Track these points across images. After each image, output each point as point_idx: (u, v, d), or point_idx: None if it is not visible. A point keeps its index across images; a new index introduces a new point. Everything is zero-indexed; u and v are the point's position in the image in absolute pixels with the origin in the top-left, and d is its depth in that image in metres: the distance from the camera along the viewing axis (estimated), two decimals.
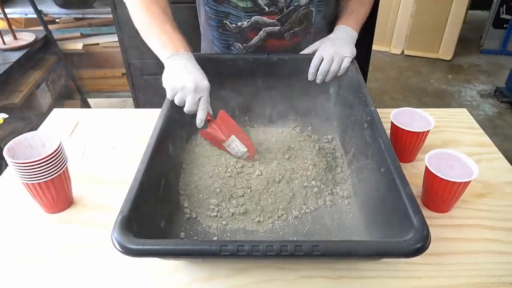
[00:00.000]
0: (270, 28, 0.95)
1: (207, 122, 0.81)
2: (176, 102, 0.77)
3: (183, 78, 0.75)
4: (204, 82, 0.76)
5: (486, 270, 0.65)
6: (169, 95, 0.77)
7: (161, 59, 0.81)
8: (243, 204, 0.72)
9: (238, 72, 0.96)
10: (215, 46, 1.04)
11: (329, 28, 1.02)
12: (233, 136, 0.80)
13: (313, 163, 0.79)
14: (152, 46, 0.83)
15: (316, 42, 0.94)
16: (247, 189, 0.73)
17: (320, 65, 0.89)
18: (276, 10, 0.91)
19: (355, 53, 0.90)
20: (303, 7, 0.92)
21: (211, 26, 1.00)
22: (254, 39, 0.97)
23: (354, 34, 0.93)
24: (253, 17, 0.93)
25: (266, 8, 0.91)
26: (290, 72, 0.95)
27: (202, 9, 0.99)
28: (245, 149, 0.80)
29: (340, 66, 0.89)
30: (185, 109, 0.77)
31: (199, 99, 0.76)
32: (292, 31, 0.96)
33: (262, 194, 0.73)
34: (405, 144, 0.84)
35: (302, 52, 0.95)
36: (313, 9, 0.94)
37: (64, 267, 0.66)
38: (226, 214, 0.72)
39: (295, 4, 0.91)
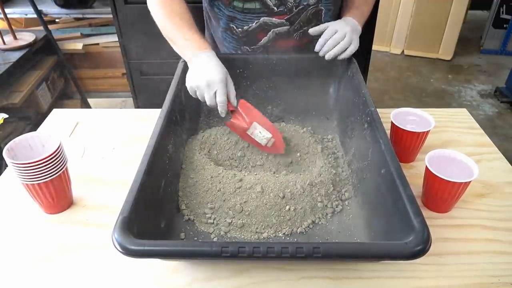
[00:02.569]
0: (279, 28, 0.94)
1: (230, 112, 0.81)
2: (199, 99, 0.81)
3: (197, 78, 0.79)
4: (216, 76, 0.77)
5: (486, 270, 0.65)
6: (190, 93, 0.82)
7: (186, 60, 0.85)
8: (240, 219, 0.70)
9: (238, 72, 0.96)
10: (225, 48, 1.04)
11: None
12: (255, 123, 0.80)
13: (319, 172, 0.77)
14: (176, 50, 0.86)
15: (326, 23, 0.90)
16: (246, 208, 0.70)
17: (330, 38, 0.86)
18: (285, 10, 0.91)
19: (357, 47, 0.89)
20: (312, 6, 0.92)
21: (221, 28, 0.99)
22: (263, 40, 0.97)
23: (359, 29, 0.91)
24: (261, 18, 0.92)
25: (275, 9, 0.90)
26: (290, 72, 0.95)
27: (211, 10, 0.99)
28: (269, 135, 0.79)
29: (347, 48, 0.86)
30: (208, 104, 0.80)
31: (215, 92, 0.78)
32: (301, 31, 0.95)
33: (262, 212, 0.70)
34: (405, 144, 0.84)
35: (311, 30, 0.91)
36: (322, 7, 0.93)
37: (64, 267, 0.65)
38: (223, 224, 0.70)
39: (304, 3, 0.90)
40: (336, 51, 0.86)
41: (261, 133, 0.79)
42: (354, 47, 0.86)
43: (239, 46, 1.00)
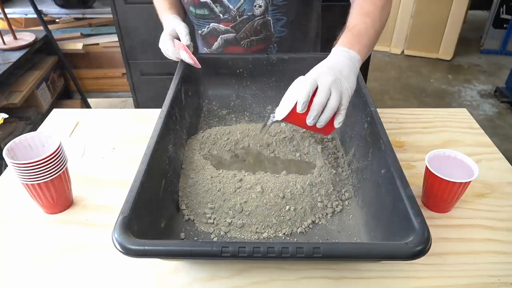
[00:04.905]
0: (226, 35, 0.97)
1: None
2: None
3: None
4: (160, 40, 0.92)
5: (486, 270, 0.65)
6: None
7: None
8: (240, 219, 0.70)
9: (237, 71, 0.96)
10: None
11: (303, 36, 1.02)
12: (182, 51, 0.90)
13: (319, 172, 0.77)
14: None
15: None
16: (246, 208, 0.70)
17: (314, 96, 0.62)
18: (230, 18, 0.94)
19: (354, 87, 0.66)
20: (258, 17, 0.93)
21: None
22: (214, 45, 1.01)
23: (356, 57, 0.68)
24: (211, 24, 0.96)
25: (221, 16, 0.94)
26: (290, 71, 0.95)
27: None
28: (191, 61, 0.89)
29: (341, 102, 0.63)
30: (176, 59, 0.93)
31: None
32: (249, 40, 0.97)
33: (262, 212, 0.70)
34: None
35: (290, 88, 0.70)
36: (269, 18, 0.94)
37: (64, 267, 0.65)
38: (223, 224, 0.70)
39: (249, 13, 0.92)
40: (323, 120, 0.63)
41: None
42: (346, 99, 0.63)
43: (201, 46, 1.06)
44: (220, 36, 0.98)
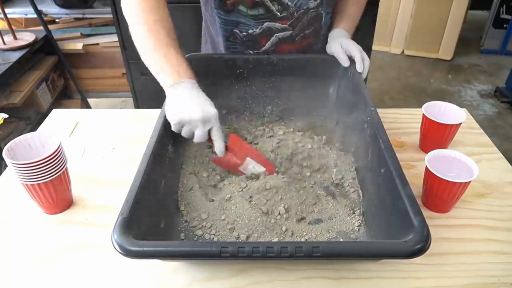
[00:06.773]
0: (282, 33, 0.94)
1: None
2: (183, 135, 0.72)
3: (188, 111, 0.69)
4: (212, 110, 0.70)
5: (486, 270, 0.65)
6: (174, 128, 0.71)
7: (163, 87, 0.75)
8: (241, 226, 0.69)
9: (238, 72, 0.96)
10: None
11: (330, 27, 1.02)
12: (248, 158, 0.75)
13: (320, 171, 0.77)
14: (153, 72, 0.77)
15: (333, 44, 0.93)
16: (244, 214, 0.69)
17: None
18: (288, 15, 0.91)
19: None
20: (312, 10, 0.92)
21: (221, 36, 0.97)
22: (266, 44, 0.96)
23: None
24: (265, 24, 0.92)
25: (278, 14, 0.90)
26: (290, 72, 0.95)
27: (210, 18, 0.97)
28: (263, 169, 0.75)
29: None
30: (195, 141, 0.71)
31: (210, 129, 0.71)
32: (302, 34, 0.96)
33: (260, 221, 0.69)
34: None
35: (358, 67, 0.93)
36: (322, 12, 0.94)
37: (63, 268, 0.65)
38: (220, 227, 0.69)
39: (305, 7, 0.91)
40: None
41: (254, 168, 0.74)
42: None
43: (242, 49, 0.98)
44: (275, 35, 0.94)
